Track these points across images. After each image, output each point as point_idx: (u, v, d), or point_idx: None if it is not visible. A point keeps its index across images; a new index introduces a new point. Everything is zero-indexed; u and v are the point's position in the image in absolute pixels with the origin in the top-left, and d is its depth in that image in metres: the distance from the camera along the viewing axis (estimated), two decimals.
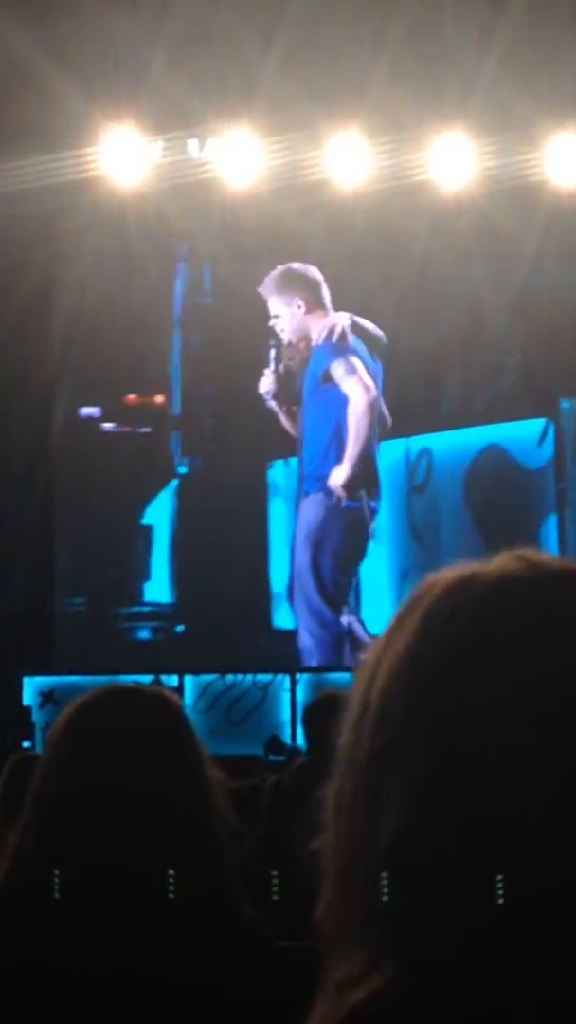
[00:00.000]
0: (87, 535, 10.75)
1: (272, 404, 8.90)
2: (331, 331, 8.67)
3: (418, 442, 9.47)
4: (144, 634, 9.07)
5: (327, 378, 8.57)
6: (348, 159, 10.72)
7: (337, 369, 8.60)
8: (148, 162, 10.73)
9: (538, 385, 9.45)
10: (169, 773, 2.05)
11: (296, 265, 9.13)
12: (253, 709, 10.60)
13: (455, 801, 1.00)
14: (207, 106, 10.58)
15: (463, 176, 10.87)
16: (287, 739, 9.90)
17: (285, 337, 8.81)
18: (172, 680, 10.46)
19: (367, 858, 1.03)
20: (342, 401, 8.34)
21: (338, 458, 8.23)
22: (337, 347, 8.70)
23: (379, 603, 9.24)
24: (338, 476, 8.00)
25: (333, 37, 10.31)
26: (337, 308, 10.23)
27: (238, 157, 10.72)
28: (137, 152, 10.64)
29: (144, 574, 9.01)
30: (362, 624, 8.50)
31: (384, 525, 9.21)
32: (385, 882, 1.02)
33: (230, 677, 10.73)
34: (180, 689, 10.25)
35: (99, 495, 10.78)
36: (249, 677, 10.69)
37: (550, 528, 9.20)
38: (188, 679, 10.67)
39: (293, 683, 10.60)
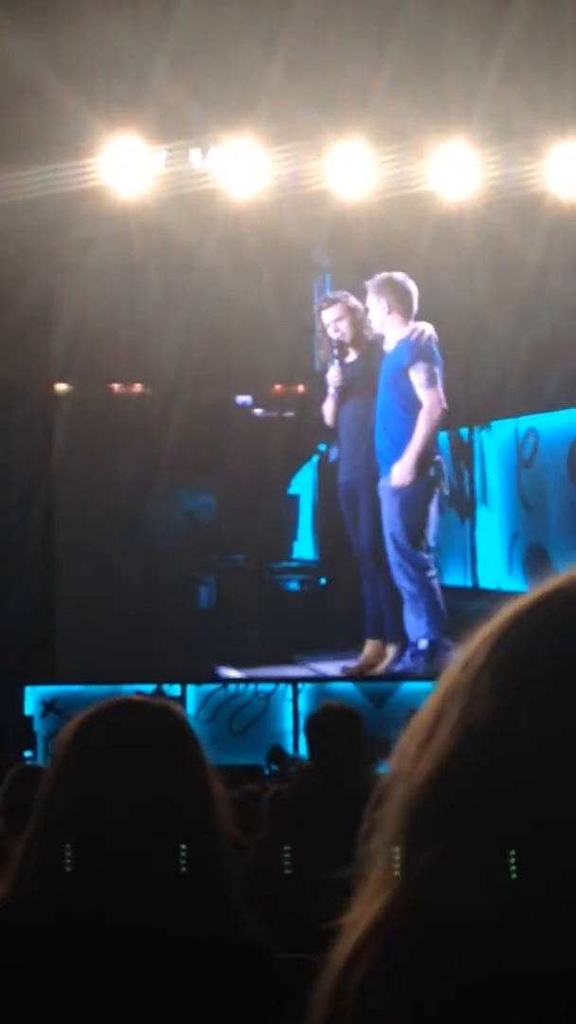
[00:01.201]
0: (87, 543, 10.85)
1: (333, 392, 9.85)
2: (420, 334, 9.56)
3: (526, 421, 10.51)
4: (293, 585, 10.43)
5: (405, 373, 9.47)
6: (350, 169, 10.72)
7: (419, 374, 9.51)
8: (150, 172, 10.74)
9: None
10: (174, 787, 2.04)
11: (398, 275, 9.94)
12: (255, 719, 10.59)
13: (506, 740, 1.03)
14: (209, 115, 10.59)
15: (465, 186, 10.87)
16: (289, 749, 9.89)
17: (366, 331, 9.81)
18: (174, 689, 10.45)
19: (413, 778, 1.06)
20: (414, 400, 9.31)
21: (401, 452, 9.27)
22: (424, 350, 9.56)
23: (492, 561, 10.45)
24: (401, 469, 9.18)
25: (335, 46, 10.32)
26: None
27: (240, 167, 10.72)
28: (139, 162, 10.65)
29: (292, 535, 10.39)
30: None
31: (496, 494, 10.52)
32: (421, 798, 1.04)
33: (232, 687, 10.71)
34: (182, 698, 10.24)
35: (97, 500, 11.00)
36: (251, 687, 10.67)
37: None
38: (190, 688, 10.65)
39: (295, 693, 10.58)
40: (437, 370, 9.81)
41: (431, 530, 9.75)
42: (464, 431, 10.52)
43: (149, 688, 9.35)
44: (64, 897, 2.00)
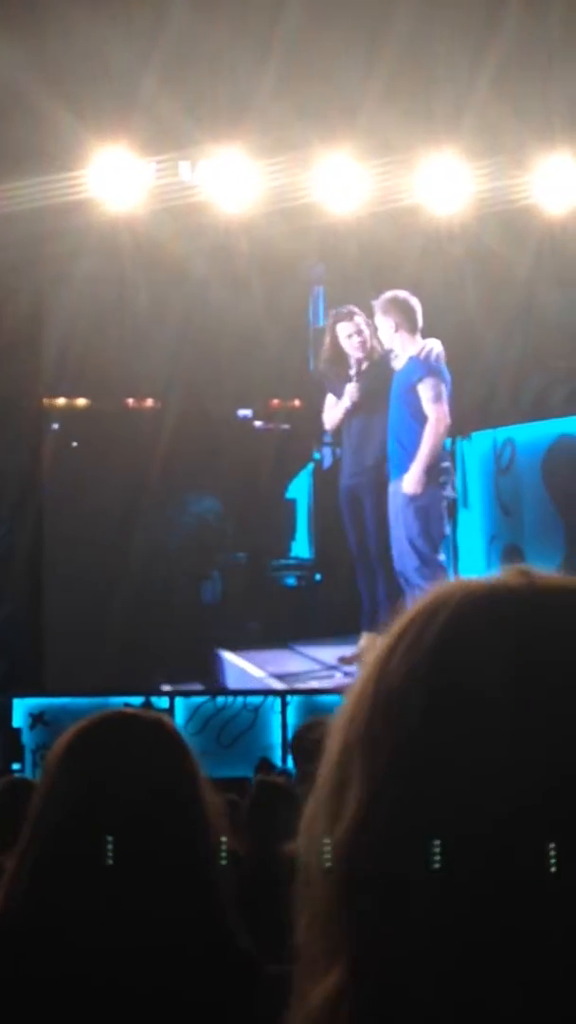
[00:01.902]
0: (76, 556, 11.03)
1: (348, 405, 10.48)
2: (429, 352, 10.04)
3: (503, 432, 11.36)
4: (291, 581, 11.30)
5: (415, 389, 9.98)
6: (340, 181, 10.75)
7: (427, 390, 9.99)
8: (140, 184, 10.74)
9: None
10: (167, 800, 2.04)
11: (401, 293, 10.39)
12: (243, 731, 10.59)
13: (409, 800, 0.99)
14: (199, 128, 10.60)
15: (454, 199, 10.90)
16: (278, 761, 9.89)
17: (377, 345, 10.38)
18: (163, 702, 10.45)
19: (323, 858, 1.03)
20: (423, 413, 9.93)
21: (410, 461, 9.90)
22: (432, 367, 10.03)
23: (473, 559, 11.20)
24: (410, 479, 9.82)
25: (325, 59, 10.35)
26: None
27: (230, 179, 10.73)
28: (129, 174, 10.65)
29: (289, 535, 11.33)
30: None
31: (476, 499, 11.38)
32: (336, 879, 1.01)
33: (220, 699, 10.72)
34: (171, 711, 10.23)
35: (87, 512, 11.14)
36: (240, 699, 10.67)
37: None
38: (179, 701, 10.66)
39: (284, 705, 10.58)
40: (444, 386, 10.22)
41: (443, 535, 10.33)
42: (447, 441, 10.88)
43: (138, 700, 9.35)
44: (56, 911, 1.99)
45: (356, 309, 10.72)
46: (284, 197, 10.73)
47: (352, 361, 10.50)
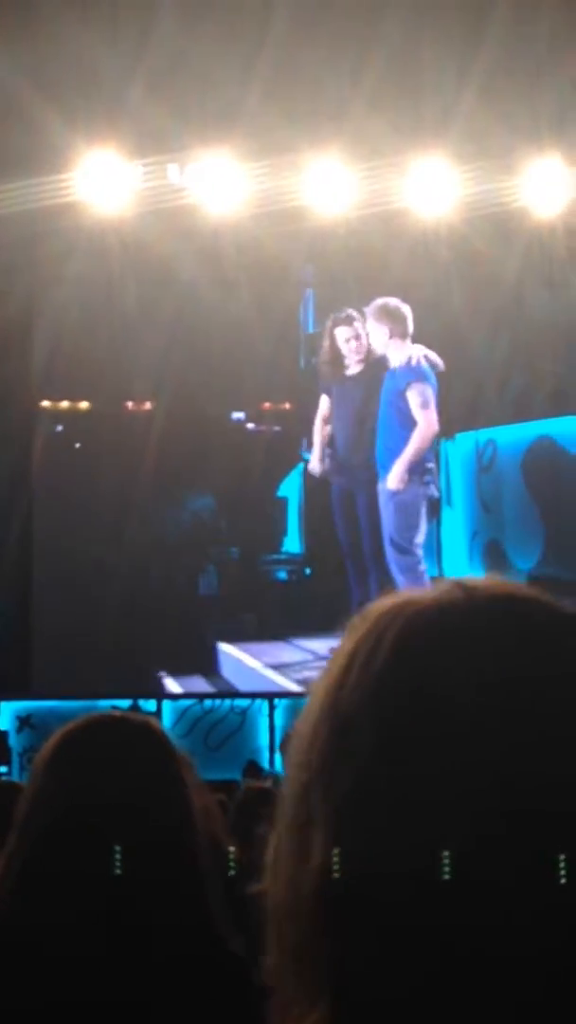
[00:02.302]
0: (66, 557, 11.16)
1: (343, 406, 10.88)
2: (418, 359, 10.35)
3: (485, 434, 11.80)
4: (282, 575, 11.72)
5: (403, 394, 10.32)
6: (328, 185, 10.76)
7: (415, 396, 10.29)
8: (128, 187, 10.75)
9: None
10: (154, 803, 2.04)
11: (392, 301, 10.61)
12: (231, 734, 10.59)
13: (374, 835, 0.98)
14: (187, 132, 10.61)
15: (442, 202, 10.92)
16: (265, 764, 9.89)
17: (373, 349, 10.71)
18: (150, 705, 10.45)
19: (297, 896, 1.01)
20: (411, 418, 10.31)
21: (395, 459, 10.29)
22: (421, 373, 10.33)
23: (456, 554, 11.67)
24: (393, 476, 10.20)
25: (313, 64, 10.37)
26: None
27: (218, 182, 10.74)
28: (117, 177, 10.65)
29: (281, 531, 11.78)
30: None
31: (459, 497, 11.84)
32: (310, 918, 1.00)
33: (208, 702, 10.72)
34: (158, 713, 10.23)
35: (76, 513, 11.24)
36: (227, 702, 10.68)
37: None
38: (166, 704, 10.66)
39: (271, 708, 10.59)
40: (431, 392, 10.42)
41: (421, 530, 10.53)
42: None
43: (125, 703, 9.35)
44: (43, 915, 1.99)
45: (355, 313, 10.88)
46: (273, 200, 10.74)
47: (348, 363, 10.76)
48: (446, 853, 0.96)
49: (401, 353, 10.51)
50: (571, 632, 1.05)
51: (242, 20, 10.29)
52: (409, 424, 10.36)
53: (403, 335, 10.58)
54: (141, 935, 1.98)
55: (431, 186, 10.82)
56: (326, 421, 11.00)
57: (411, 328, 10.67)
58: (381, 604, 1.07)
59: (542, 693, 1.00)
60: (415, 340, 10.74)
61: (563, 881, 0.96)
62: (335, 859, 0.99)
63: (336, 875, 0.98)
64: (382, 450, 10.48)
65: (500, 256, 11.23)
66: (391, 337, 10.54)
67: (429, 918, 0.96)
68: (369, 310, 10.64)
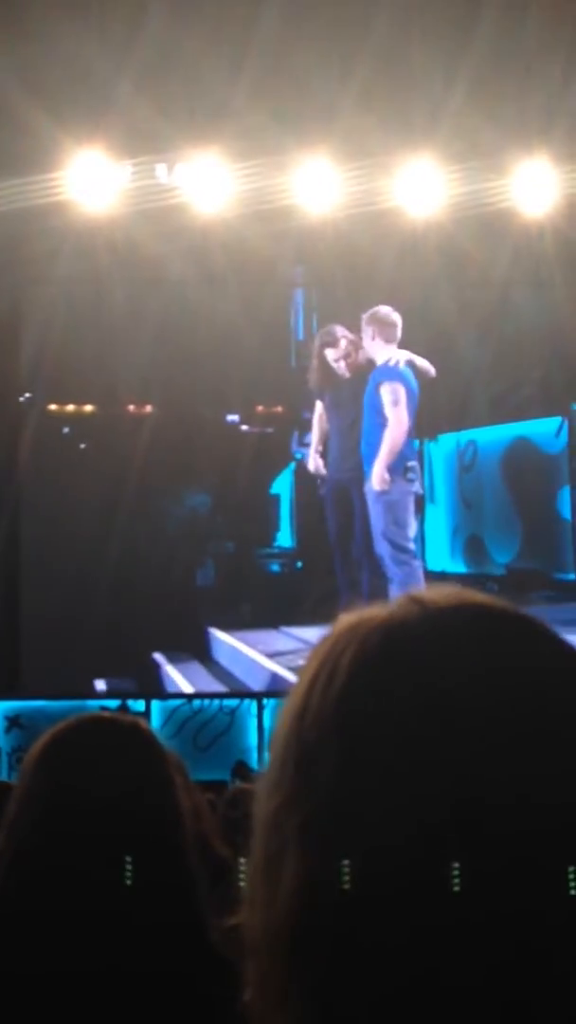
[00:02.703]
0: (54, 556, 11.30)
1: (337, 408, 11.32)
2: (396, 361, 10.73)
3: (466, 435, 12.46)
4: (275, 567, 12.34)
5: (377, 393, 10.71)
6: (316, 185, 10.77)
7: (387, 395, 10.66)
8: (117, 187, 10.74)
9: (555, 392, 12.26)
10: (143, 804, 2.04)
11: (383, 308, 10.96)
12: (220, 734, 10.60)
13: (342, 862, 0.97)
14: (176, 131, 10.60)
15: (431, 203, 10.93)
16: (254, 764, 9.89)
17: (359, 356, 11.14)
18: (139, 705, 10.45)
19: (272, 924, 1.00)
20: (385, 416, 10.75)
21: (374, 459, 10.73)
22: (394, 373, 10.67)
23: (439, 549, 12.37)
24: (373, 477, 10.63)
25: (302, 63, 10.36)
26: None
27: (207, 182, 10.74)
28: (106, 176, 10.65)
29: (274, 527, 12.39)
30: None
31: (441, 494, 12.52)
32: (286, 946, 0.99)
33: (196, 702, 10.72)
34: (147, 714, 10.23)
35: (64, 513, 11.50)
36: (216, 702, 10.68)
37: (564, 496, 12.21)
38: (155, 704, 10.66)
39: (260, 708, 10.60)
40: (403, 391, 10.70)
41: (412, 526, 10.96)
42: (415, 442, 11.46)
43: (114, 703, 9.35)
44: (31, 914, 1.99)
45: (341, 331, 11.17)
46: (262, 200, 10.74)
47: (334, 376, 11.19)
48: (415, 876, 0.95)
49: (382, 355, 10.77)
50: (526, 638, 1.04)
51: (231, 20, 10.29)
52: (385, 423, 10.68)
53: (386, 338, 10.85)
54: (129, 935, 1.97)
55: (420, 186, 10.83)
56: (323, 424, 11.39)
57: (398, 334, 10.92)
58: (340, 625, 1.06)
59: (500, 704, 0.99)
60: (404, 344, 10.89)
61: (532, 898, 0.95)
62: (306, 886, 0.97)
63: (308, 902, 0.97)
64: (365, 449, 10.88)
65: (488, 256, 11.25)
66: (373, 339, 10.85)
67: (405, 943, 0.95)
68: (364, 316, 11.01)
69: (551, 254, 11.31)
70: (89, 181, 10.61)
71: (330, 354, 11.16)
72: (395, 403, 10.63)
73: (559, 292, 11.45)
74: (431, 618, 1.03)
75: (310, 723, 1.01)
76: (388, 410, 10.60)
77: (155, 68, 10.32)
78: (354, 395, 11.02)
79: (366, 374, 10.98)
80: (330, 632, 1.07)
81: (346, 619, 1.06)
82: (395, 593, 10.78)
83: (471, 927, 0.95)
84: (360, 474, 10.90)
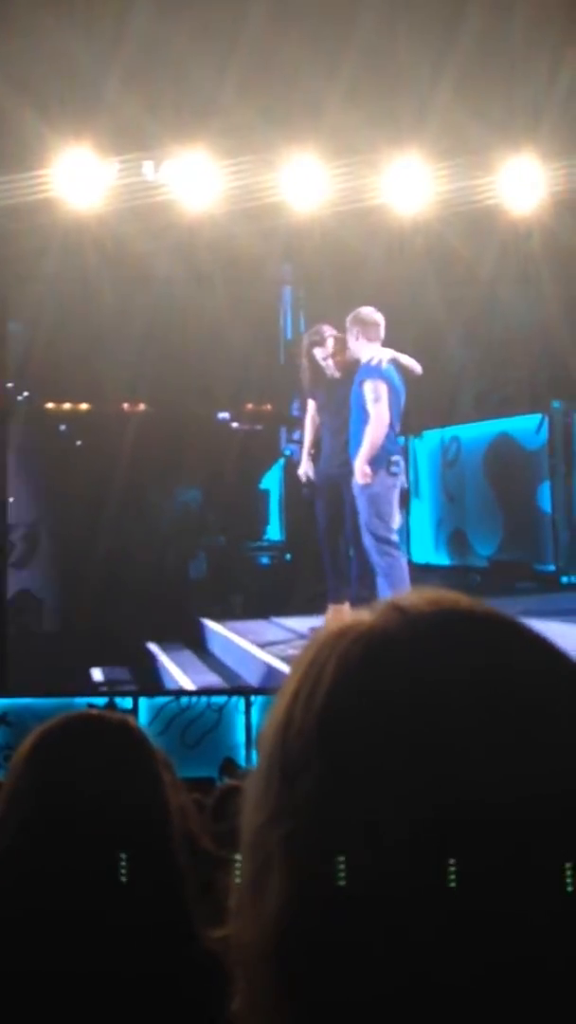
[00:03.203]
0: (40, 552, 11.27)
1: (318, 407, 11.47)
2: (379, 360, 10.85)
3: (450, 431, 12.84)
4: (265, 560, 12.62)
5: (360, 390, 10.84)
6: (304, 182, 10.77)
7: (369, 392, 10.81)
8: (104, 184, 10.73)
9: (538, 390, 12.47)
10: (132, 802, 2.04)
11: (365, 309, 11.02)
12: (208, 731, 10.60)
13: (328, 877, 0.96)
14: (163, 128, 10.59)
15: (418, 200, 10.94)
16: (242, 761, 9.89)
17: (345, 355, 11.21)
18: (126, 702, 10.44)
19: (258, 939, 1.00)
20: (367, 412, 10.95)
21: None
22: (376, 371, 10.80)
23: (423, 541, 12.69)
24: (356, 470, 10.80)
25: (289, 61, 10.36)
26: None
27: (194, 179, 10.74)
28: (93, 174, 10.64)
29: (264, 521, 12.70)
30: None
31: (426, 489, 12.91)
32: (272, 964, 0.99)
33: (184, 699, 10.72)
34: (134, 711, 10.23)
35: (51, 509, 11.67)
36: (204, 699, 10.68)
37: (544, 491, 12.49)
38: (143, 701, 10.66)
39: (248, 705, 10.60)
40: (384, 388, 10.82)
41: (395, 519, 11.07)
42: (400, 439, 11.56)
43: (101, 701, 9.34)
44: (18, 911, 1.99)
45: (329, 329, 11.19)
46: (249, 197, 10.74)
47: (329, 374, 11.26)
48: (400, 887, 0.95)
49: (366, 354, 10.86)
50: (508, 643, 1.03)
51: (218, 17, 10.28)
52: (368, 419, 10.75)
53: (369, 338, 10.94)
54: (118, 933, 1.97)
55: (407, 183, 10.84)
56: (315, 424, 11.51)
57: (381, 333, 10.99)
58: (321, 635, 1.05)
59: (484, 712, 0.98)
60: (391, 341, 10.93)
61: (520, 905, 0.95)
62: (292, 898, 0.97)
63: (294, 914, 0.97)
64: (352, 444, 11.00)
65: (475, 253, 11.26)
66: (357, 339, 10.94)
67: (392, 954, 0.95)
68: (348, 318, 11.07)
69: (538, 251, 11.32)
70: (76, 178, 10.60)
71: (318, 353, 11.22)
72: (376, 400, 10.77)
73: (546, 289, 11.46)
74: (413, 626, 1.02)
75: (294, 735, 1.01)
76: (369, 406, 10.74)
77: (142, 65, 10.31)
78: (347, 397, 11.10)
79: (356, 374, 11.06)
80: (312, 641, 1.06)
81: (327, 628, 1.06)
82: (382, 584, 10.89)
83: (458, 936, 0.94)
84: (349, 470, 11.02)
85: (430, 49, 10.43)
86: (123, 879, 1.98)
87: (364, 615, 1.05)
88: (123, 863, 1.98)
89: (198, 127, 10.56)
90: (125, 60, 10.24)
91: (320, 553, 11.54)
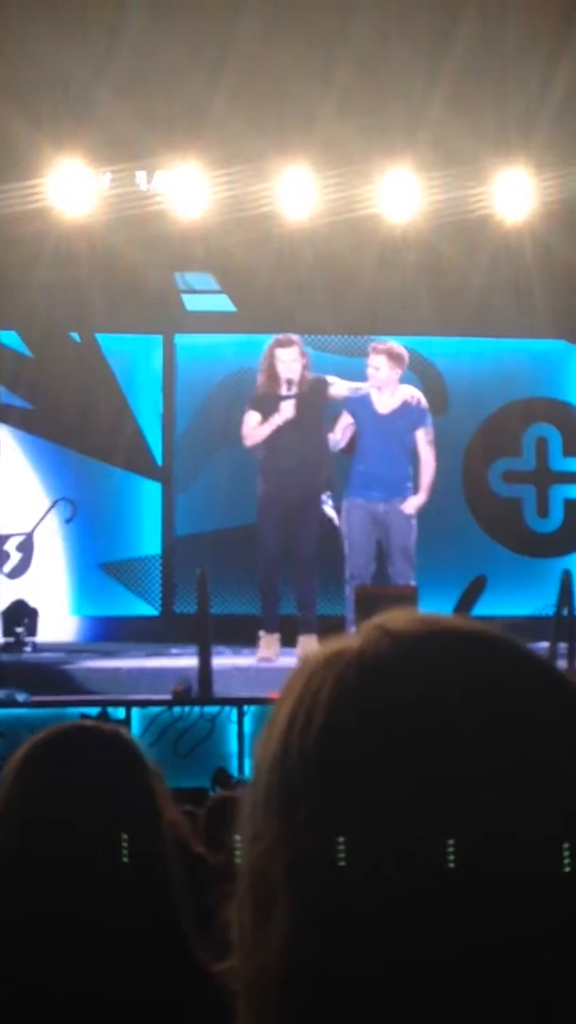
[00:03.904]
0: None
1: (280, 421, 10.41)
2: (415, 398, 10.47)
3: None
4: None
5: (411, 431, 10.41)
6: (296, 192, 10.78)
7: (427, 435, 10.44)
8: (96, 194, 10.74)
9: None
10: (124, 814, 2.03)
11: (399, 346, 10.36)
12: (200, 741, 10.58)
13: (334, 910, 0.95)
14: (155, 138, 10.60)
15: (410, 210, 10.95)
16: (235, 772, 9.88)
17: (306, 373, 10.45)
18: (119, 712, 10.43)
19: (262, 974, 0.98)
20: (410, 450, 10.52)
21: (415, 489, 10.51)
22: (425, 412, 10.44)
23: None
24: (417, 502, 10.50)
25: (281, 71, 10.38)
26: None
27: (186, 189, 10.75)
28: (85, 184, 10.65)
29: None
30: None
31: None
32: (276, 996, 0.98)
33: (177, 709, 10.71)
34: (127, 721, 10.21)
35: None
36: (196, 709, 10.67)
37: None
38: (135, 711, 10.64)
39: (240, 715, 10.59)
40: (433, 431, 10.59)
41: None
42: None
43: (93, 711, 9.33)
44: (9, 922, 1.98)
45: (294, 337, 10.40)
46: (239, 208, 10.75)
47: (283, 382, 10.32)
48: (406, 915, 0.94)
49: (400, 392, 10.43)
50: (500, 661, 1.02)
51: (210, 28, 10.30)
52: (407, 453, 10.52)
53: (401, 372, 10.44)
54: (109, 946, 1.97)
55: (399, 193, 10.85)
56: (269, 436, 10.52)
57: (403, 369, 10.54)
58: (310, 660, 1.04)
59: (482, 733, 0.98)
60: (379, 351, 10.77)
61: (524, 931, 0.94)
62: (297, 930, 0.96)
63: (299, 946, 0.96)
64: (391, 478, 10.57)
65: (467, 263, 11.27)
66: (395, 373, 10.40)
67: (398, 984, 0.94)
68: (381, 347, 10.40)
69: (530, 261, 11.34)
70: (68, 188, 10.61)
71: (284, 355, 10.31)
72: (432, 442, 10.52)
73: (537, 299, 11.47)
74: (404, 649, 1.01)
75: (292, 765, 1.00)
76: (426, 448, 10.52)
77: (135, 75, 10.33)
78: (308, 414, 10.34)
79: (316, 394, 10.38)
80: (301, 668, 1.05)
81: (316, 653, 1.05)
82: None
83: (466, 966, 0.94)
84: (314, 492, 10.52)
85: (422, 60, 10.46)
86: (115, 891, 1.97)
87: (350, 639, 1.04)
88: (115, 875, 1.97)
89: (190, 137, 10.57)
90: (118, 70, 10.26)
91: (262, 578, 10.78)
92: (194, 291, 11.81)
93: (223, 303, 11.87)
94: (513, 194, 10.99)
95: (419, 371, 11.71)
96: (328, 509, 10.57)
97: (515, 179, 10.95)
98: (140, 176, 10.89)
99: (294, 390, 10.27)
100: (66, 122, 10.45)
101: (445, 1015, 0.94)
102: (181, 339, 11.94)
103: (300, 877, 0.97)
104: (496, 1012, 0.94)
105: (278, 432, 10.31)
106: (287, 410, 10.27)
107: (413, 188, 10.86)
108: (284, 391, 10.25)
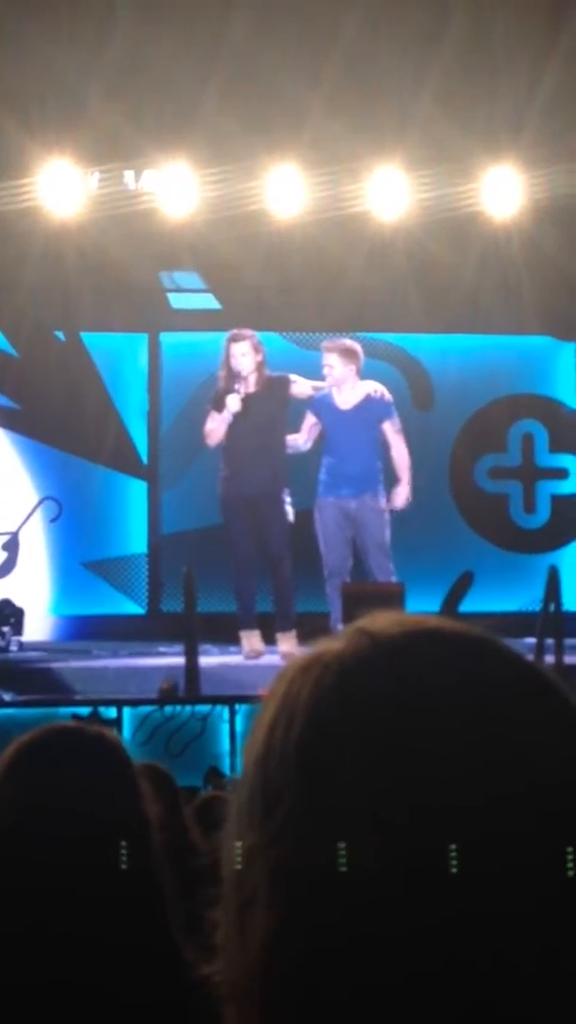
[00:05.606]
0: None
1: (228, 417, 10.24)
2: (378, 391, 10.40)
3: None
4: None
5: (378, 424, 10.38)
6: (285, 190, 10.78)
7: (394, 425, 10.40)
8: (85, 193, 10.73)
9: None
10: (110, 816, 2.03)
11: (347, 340, 10.37)
12: (192, 740, 10.58)
13: (315, 913, 0.95)
14: (144, 138, 10.60)
15: (399, 207, 10.96)
16: (227, 770, 9.88)
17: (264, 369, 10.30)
18: (110, 711, 10.42)
19: (242, 975, 0.99)
20: (380, 443, 10.47)
21: (395, 480, 10.47)
22: (389, 405, 10.39)
23: None
24: (401, 494, 10.45)
25: (270, 70, 10.38)
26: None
27: (175, 188, 10.75)
28: (74, 183, 10.64)
29: None
30: None
31: None
32: (257, 999, 0.98)
33: (168, 708, 10.71)
34: (118, 720, 10.21)
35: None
36: (188, 708, 10.67)
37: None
38: (126, 711, 10.64)
39: (232, 714, 10.59)
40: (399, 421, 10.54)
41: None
42: None
43: (84, 710, 9.33)
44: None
45: (249, 332, 10.22)
46: (228, 206, 10.75)
47: (240, 378, 10.13)
48: (385, 919, 0.94)
49: (360, 387, 10.36)
50: (481, 661, 1.02)
51: (200, 27, 10.30)
52: (377, 447, 10.40)
53: (358, 369, 10.35)
54: (96, 948, 1.97)
55: (388, 191, 10.86)
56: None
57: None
58: (292, 665, 1.04)
59: (463, 735, 0.98)
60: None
61: (508, 938, 0.94)
62: (277, 932, 0.96)
63: (279, 949, 0.96)
64: (361, 472, 10.50)
65: (456, 260, 11.29)
66: (350, 369, 10.34)
67: (378, 987, 0.94)
68: (331, 345, 10.35)
69: (518, 258, 11.35)
70: (57, 187, 10.60)
71: (237, 349, 10.13)
72: (400, 431, 10.44)
73: (525, 296, 11.49)
74: (384, 651, 1.01)
75: (274, 768, 1.00)
76: (396, 439, 10.45)
77: (124, 74, 10.32)
78: (264, 411, 10.17)
79: (276, 391, 10.23)
80: (284, 672, 1.04)
81: (298, 657, 1.04)
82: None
83: (447, 970, 0.94)
84: (274, 489, 10.29)
85: (412, 58, 10.46)
86: (101, 893, 1.97)
87: (331, 642, 1.04)
88: (101, 878, 1.97)
89: (180, 136, 10.57)
90: (107, 69, 10.25)
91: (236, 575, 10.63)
92: (180, 290, 11.81)
93: (209, 301, 11.86)
94: (502, 191, 11.00)
95: (405, 368, 11.74)
96: (287, 507, 10.40)
97: (504, 176, 10.97)
98: (129, 175, 10.88)
99: (246, 386, 10.07)
100: (55, 121, 10.44)
101: (424, 1017, 0.93)
102: (166, 337, 11.91)
103: (280, 879, 0.97)
104: (477, 1015, 0.94)
105: (235, 430, 10.12)
106: (233, 404, 10.05)
107: (402, 186, 10.87)
108: (235, 386, 10.06)
